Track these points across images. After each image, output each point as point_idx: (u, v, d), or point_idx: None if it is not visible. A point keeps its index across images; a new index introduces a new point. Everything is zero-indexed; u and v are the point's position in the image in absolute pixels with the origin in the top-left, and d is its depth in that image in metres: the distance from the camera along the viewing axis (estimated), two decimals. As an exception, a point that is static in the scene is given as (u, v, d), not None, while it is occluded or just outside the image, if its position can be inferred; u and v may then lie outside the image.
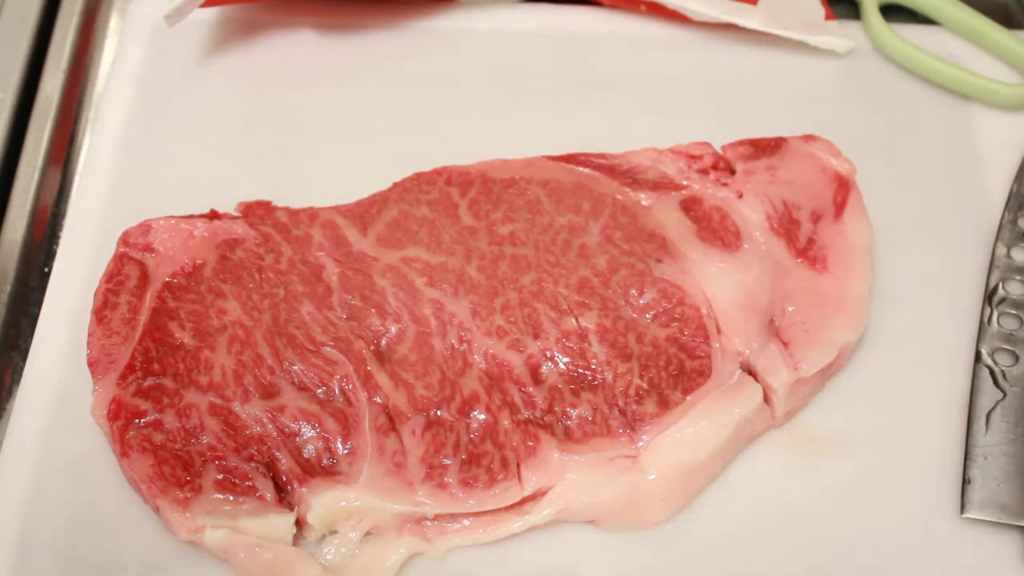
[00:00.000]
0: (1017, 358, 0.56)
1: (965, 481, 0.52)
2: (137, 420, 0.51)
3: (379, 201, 0.58)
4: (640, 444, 0.52)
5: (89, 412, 0.52)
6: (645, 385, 0.52)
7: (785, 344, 0.53)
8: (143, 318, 0.54)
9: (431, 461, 0.51)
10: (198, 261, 0.56)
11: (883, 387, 0.56)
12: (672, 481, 0.51)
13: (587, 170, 0.59)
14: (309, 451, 0.51)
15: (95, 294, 0.55)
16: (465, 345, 0.53)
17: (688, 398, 0.52)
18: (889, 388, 0.56)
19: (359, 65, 0.68)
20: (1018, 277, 0.58)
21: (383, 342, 0.54)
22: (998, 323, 0.57)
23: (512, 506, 0.51)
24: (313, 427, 0.51)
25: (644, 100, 0.66)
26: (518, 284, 0.55)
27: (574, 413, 0.52)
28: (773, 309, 0.55)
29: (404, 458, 0.51)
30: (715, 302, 0.54)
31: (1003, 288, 0.58)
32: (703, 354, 0.53)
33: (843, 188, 0.58)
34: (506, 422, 0.51)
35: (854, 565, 0.51)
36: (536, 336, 0.53)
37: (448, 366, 0.53)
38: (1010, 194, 0.61)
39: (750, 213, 0.57)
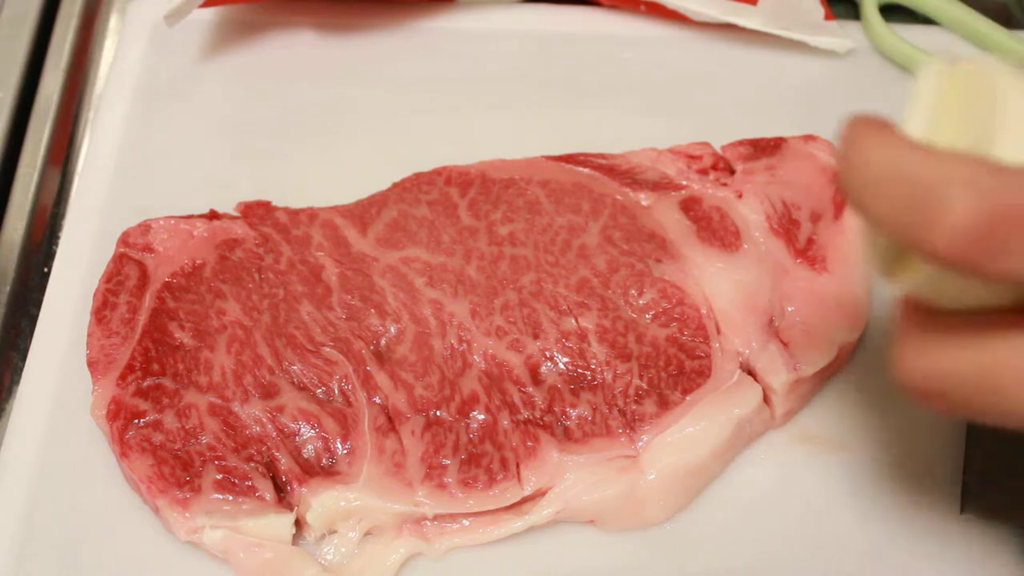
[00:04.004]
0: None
1: (965, 481, 0.52)
2: (136, 420, 0.51)
3: (379, 201, 0.58)
4: (640, 444, 0.52)
5: (89, 412, 0.52)
6: (645, 385, 0.52)
7: (785, 344, 0.53)
8: (142, 318, 0.54)
9: (430, 461, 0.51)
10: (198, 261, 0.56)
11: (883, 387, 0.56)
12: (672, 481, 0.51)
13: (587, 170, 0.59)
14: (308, 451, 0.51)
15: (94, 294, 0.55)
16: (465, 345, 0.53)
17: (688, 398, 0.52)
18: (888, 388, 0.56)
19: (359, 65, 0.68)
20: (1018, 277, 0.58)
21: (383, 342, 0.54)
22: (998, 323, 0.57)
23: (512, 506, 0.51)
24: (312, 427, 0.51)
25: (643, 100, 0.66)
26: (518, 284, 0.55)
27: (574, 413, 0.52)
28: (773, 309, 0.55)
29: (403, 458, 0.51)
30: (715, 302, 0.54)
31: (1003, 288, 0.58)
32: (703, 354, 0.53)
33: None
34: (506, 422, 0.51)
35: (853, 565, 0.51)
36: (536, 336, 0.53)
37: (448, 366, 0.53)
38: (1010, 194, 0.61)
39: (750, 213, 0.57)
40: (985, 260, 0.32)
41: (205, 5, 0.65)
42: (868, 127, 0.34)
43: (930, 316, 0.37)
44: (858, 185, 0.34)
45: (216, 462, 0.50)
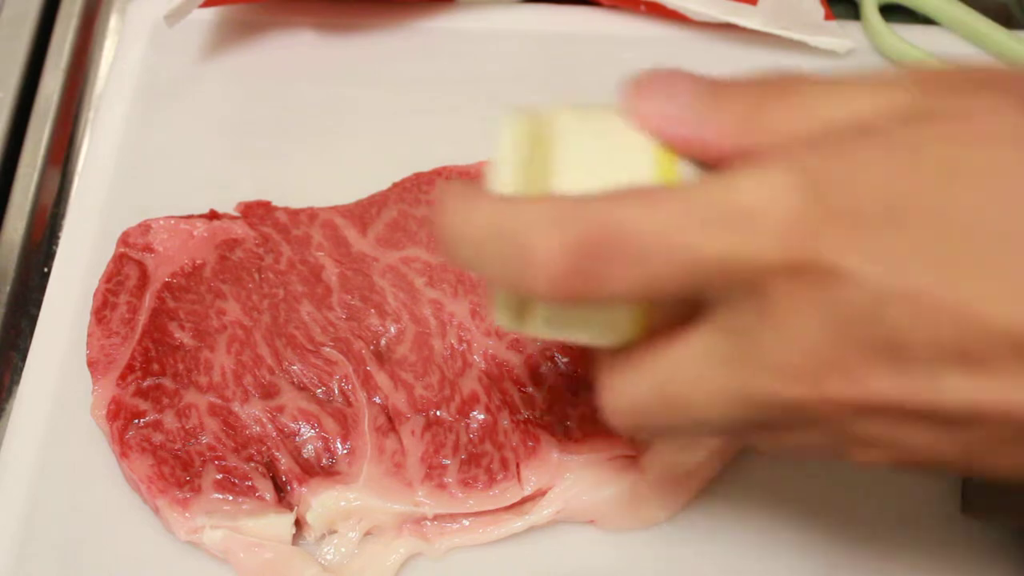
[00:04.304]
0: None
1: (965, 481, 0.52)
2: (136, 420, 0.51)
3: (379, 201, 0.58)
4: (640, 444, 0.52)
5: (89, 412, 0.52)
6: (645, 385, 0.52)
7: (785, 344, 0.53)
8: (142, 318, 0.54)
9: (430, 461, 0.51)
10: (198, 261, 0.56)
11: (883, 387, 0.56)
12: (672, 481, 0.51)
13: (587, 170, 0.59)
14: (308, 451, 0.51)
15: (94, 294, 0.55)
16: (465, 345, 0.53)
17: (688, 398, 0.52)
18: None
19: (359, 65, 0.68)
20: (1018, 277, 0.58)
21: (383, 342, 0.54)
22: (998, 323, 0.57)
23: (512, 506, 0.51)
24: (312, 427, 0.51)
25: (644, 100, 0.66)
26: (518, 284, 0.55)
27: (574, 413, 0.52)
28: (773, 309, 0.54)
29: (403, 458, 0.51)
30: (715, 302, 0.54)
31: (1003, 288, 0.58)
32: (703, 354, 0.53)
33: (843, 188, 0.58)
34: (506, 422, 0.51)
35: (854, 565, 0.51)
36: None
37: (448, 366, 0.53)
38: (1010, 194, 0.61)
39: (750, 213, 0.57)
40: (588, 290, 0.33)
41: (205, 5, 0.65)
42: (453, 193, 0.36)
43: (610, 353, 0.38)
44: (455, 250, 0.35)
45: (216, 462, 0.50)
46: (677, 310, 0.36)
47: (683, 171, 0.36)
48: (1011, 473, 0.35)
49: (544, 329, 0.38)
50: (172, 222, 0.57)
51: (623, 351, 0.38)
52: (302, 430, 0.51)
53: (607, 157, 0.36)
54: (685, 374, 0.36)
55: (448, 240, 0.36)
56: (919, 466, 0.36)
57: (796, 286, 0.33)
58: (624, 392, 0.37)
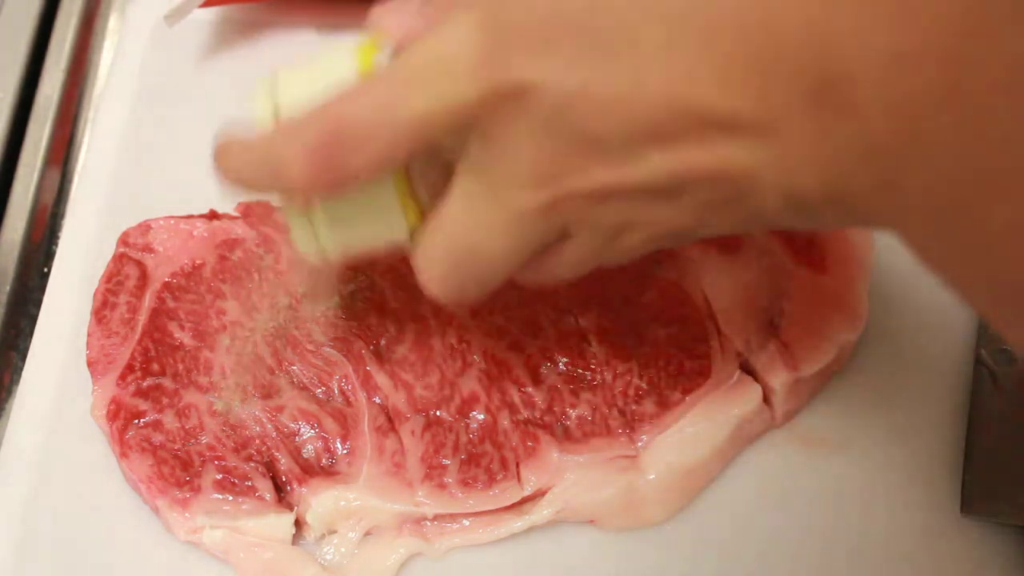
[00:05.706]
0: (1016, 358, 0.56)
1: (965, 481, 0.52)
2: (136, 420, 0.51)
3: (379, 201, 0.58)
4: (640, 444, 0.52)
5: (89, 412, 0.52)
6: (644, 385, 0.52)
7: (784, 344, 0.53)
8: (142, 318, 0.54)
9: (430, 461, 0.51)
10: (198, 261, 0.56)
11: (882, 387, 0.56)
12: (671, 481, 0.51)
13: (587, 170, 0.59)
14: (308, 451, 0.51)
15: (94, 294, 0.55)
16: (465, 345, 0.53)
17: (687, 398, 0.52)
18: (888, 388, 0.56)
19: (359, 65, 0.68)
20: (1018, 277, 0.58)
21: (382, 342, 0.54)
22: (998, 323, 0.57)
23: (512, 506, 0.51)
24: (312, 427, 0.51)
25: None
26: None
27: (573, 413, 0.52)
28: (772, 309, 0.54)
29: (403, 458, 0.51)
30: (715, 302, 0.54)
31: (1003, 288, 0.58)
32: (702, 354, 0.53)
33: (843, 188, 0.58)
34: (505, 422, 0.51)
35: (853, 565, 0.51)
36: (535, 336, 0.53)
37: (447, 366, 0.53)
38: (1010, 194, 0.61)
39: (750, 213, 0.57)
40: (337, 178, 0.38)
41: (205, 5, 0.65)
42: (220, 141, 0.42)
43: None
44: (231, 182, 0.42)
45: (216, 462, 0.50)
46: (446, 181, 0.40)
47: (383, 60, 0.41)
48: (738, 229, 0.41)
49: (333, 235, 0.42)
50: (172, 222, 0.57)
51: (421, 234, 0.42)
52: (302, 430, 0.51)
53: (317, 78, 0.41)
54: (463, 223, 0.40)
55: (224, 177, 0.42)
56: (673, 238, 0.40)
57: (502, 110, 0.37)
58: (431, 263, 0.42)
